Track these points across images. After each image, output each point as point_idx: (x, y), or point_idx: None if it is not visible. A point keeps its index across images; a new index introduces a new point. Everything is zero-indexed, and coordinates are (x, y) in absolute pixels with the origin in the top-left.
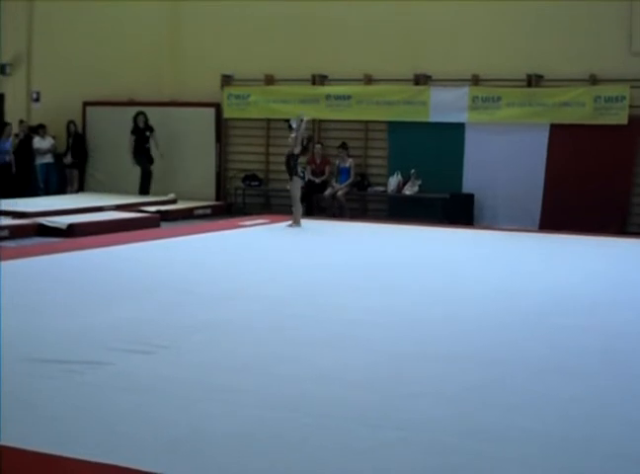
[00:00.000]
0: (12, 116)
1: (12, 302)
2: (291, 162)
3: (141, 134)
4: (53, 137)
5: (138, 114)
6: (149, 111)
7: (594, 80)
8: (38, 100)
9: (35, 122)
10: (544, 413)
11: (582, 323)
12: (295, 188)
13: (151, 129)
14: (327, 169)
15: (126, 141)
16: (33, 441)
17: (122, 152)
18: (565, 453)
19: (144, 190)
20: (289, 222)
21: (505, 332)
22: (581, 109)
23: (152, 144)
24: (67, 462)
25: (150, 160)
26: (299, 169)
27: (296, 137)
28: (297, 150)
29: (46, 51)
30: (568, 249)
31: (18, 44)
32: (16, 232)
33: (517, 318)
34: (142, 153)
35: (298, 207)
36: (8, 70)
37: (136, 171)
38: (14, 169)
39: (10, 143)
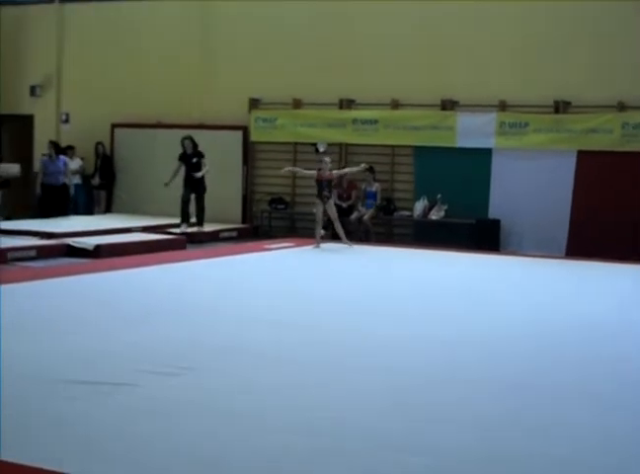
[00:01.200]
0: (41, 137)
1: (37, 323)
2: (326, 188)
3: (187, 161)
4: (82, 159)
5: (184, 138)
6: (176, 133)
7: (621, 107)
8: (67, 121)
9: (63, 144)
10: (572, 440)
11: (608, 350)
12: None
13: (200, 155)
14: (353, 193)
15: (156, 164)
16: (60, 463)
17: (150, 174)
18: None
19: (198, 221)
20: (347, 244)
21: (531, 358)
22: (608, 135)
23: (204, 172)
24: None
25: (196, 190)
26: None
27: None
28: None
29: (76, 73)
30: (594, 276)
31: (48, 66)
32: (43, 252)
33: (543, 344)
34: (188, 182)
35: (339, 226)
36: (38, 92)
37: (162, 193)
38: (72, 191)
39: (63, 163)
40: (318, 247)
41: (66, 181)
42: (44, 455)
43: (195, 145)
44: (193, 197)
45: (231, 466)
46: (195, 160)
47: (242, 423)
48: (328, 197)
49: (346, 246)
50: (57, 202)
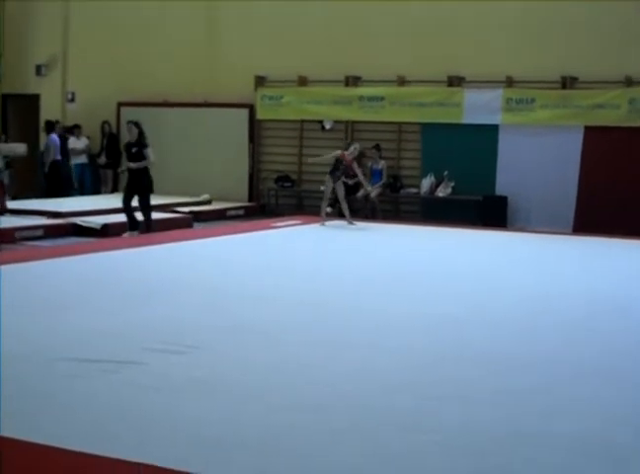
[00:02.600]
0: (47, 116)
1: (41, 302)
2: (341, 168)
3: (128, 151)
4: (88, 138)
5: (128, 122)
6: (183, 112)
7: (629, 82)
8: (73, 100)
9: (70, 123)
10: (583, 416)
11: (616, 326)
12: (341, 188)
13: (143, 145)
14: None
15: (162, 142)
16: (66, 440)
17: (156, 153)
18: (606, 457)
19: (145, 225)
20: (350, 221)
21: (539, 335)
22: (616, 111)
23: (142, 164)
24: (101, 461)
25: (135, 186)
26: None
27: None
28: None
29: (81, 52)
30: (602, 252)
31: (53, 45)
32: (50, 232)
33: (551, 321)
34: (128, 178)
35: (345, 206)
36: (43, 71)
37: (169, 172)
38: (46, 169)
39: (51, 140)
40: (324, 224)
41: (55, 158)
42: (53, 433)
43: (141, 132)
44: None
45: (238, 443)
46: (134, 150)
47: (248, 401)
48: (338, 178)
49: (348, 224)
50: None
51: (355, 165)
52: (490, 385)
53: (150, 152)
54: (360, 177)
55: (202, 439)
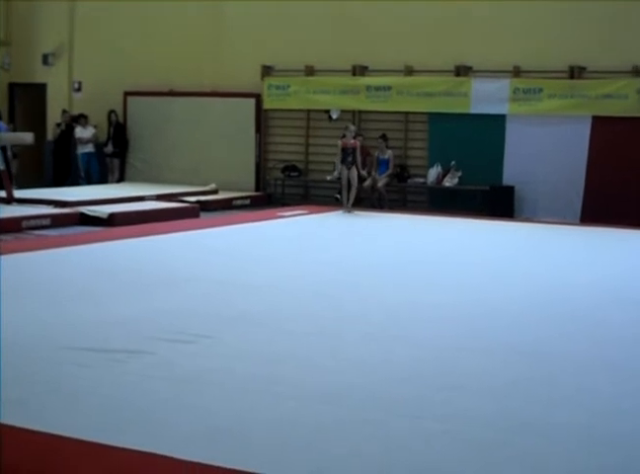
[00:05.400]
0: (54, 105)
1: (53, 291)
2: (350, 154)
3: None
4: (95, 127)
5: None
6: (189, 101)
7: (637, 72)
8: (79, 90)
9: (76, 112)
10: (588, 407)
11: (621, 317)
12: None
13: None
14: (367, 160)
15: (169, 131)
16: (75, 430)
17: (163, 142)
18: (610, 448)
19: None
20: (349, 208)
21: (547, 326)
22: (623, 101)
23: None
24: (109, 451)
25: None
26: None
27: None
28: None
29: (88, 41)
30: (609, 242)
31: (60, 35)
32: (57, 221)
33: (559, 312)
34: None
35: (354, 194)
36: (50, 60)
37: (176, 161)
38: None
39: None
40: (349, 212)
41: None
42: (62, 423)
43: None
44: None
45: (247, 432)
46: None
47: (258, 389)
48: (352, 164)
49: (346, 212)
50: None
51: (358, 148)
52: (494, 376)
53: None
54: (358, 162)
55: (211, 428)
